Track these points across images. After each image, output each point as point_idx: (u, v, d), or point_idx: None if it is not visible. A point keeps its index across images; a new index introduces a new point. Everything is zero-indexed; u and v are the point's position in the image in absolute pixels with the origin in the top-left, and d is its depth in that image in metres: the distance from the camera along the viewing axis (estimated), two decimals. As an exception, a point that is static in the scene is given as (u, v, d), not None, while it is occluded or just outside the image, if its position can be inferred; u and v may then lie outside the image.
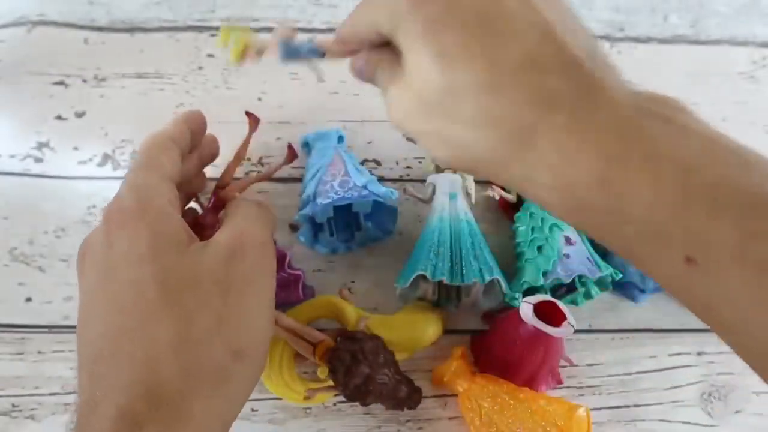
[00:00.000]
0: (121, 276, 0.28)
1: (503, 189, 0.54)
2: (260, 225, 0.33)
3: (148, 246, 0.28)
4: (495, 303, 0.50)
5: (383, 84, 0.29)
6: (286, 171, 0.55)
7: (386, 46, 0.28)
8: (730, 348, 0.24)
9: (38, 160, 0.56)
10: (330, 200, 0.45)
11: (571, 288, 0.51)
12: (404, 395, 0.43)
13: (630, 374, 0.51)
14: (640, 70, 0.64)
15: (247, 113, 0.48)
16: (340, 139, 0.54)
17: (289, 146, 0.52)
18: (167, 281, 0.27)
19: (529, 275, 0.48)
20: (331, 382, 0.43)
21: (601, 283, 0.51)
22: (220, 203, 0.43)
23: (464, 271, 0.47)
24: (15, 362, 0.49)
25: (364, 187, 0.46)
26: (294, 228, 0.52)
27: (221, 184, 0.44)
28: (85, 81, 0.59)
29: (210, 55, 0.60)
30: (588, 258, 0.49)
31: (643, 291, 0.51)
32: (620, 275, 0.49)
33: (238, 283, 0.29)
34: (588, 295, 0.51)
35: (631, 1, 0.67)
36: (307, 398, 0.44)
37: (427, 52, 0.24)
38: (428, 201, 0.53)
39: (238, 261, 0.30)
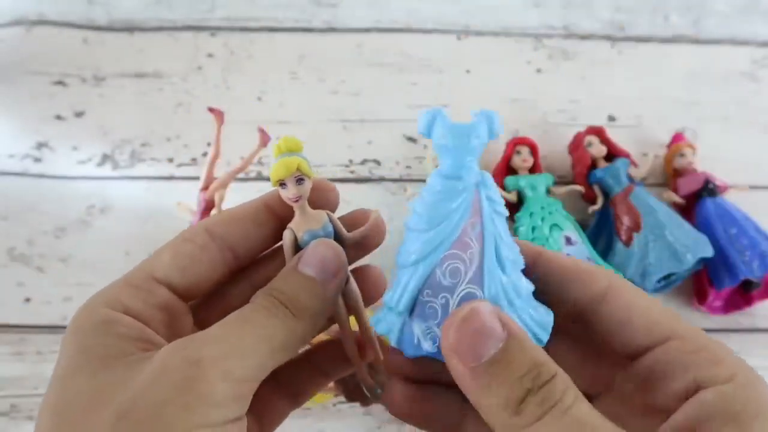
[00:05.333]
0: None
1: (502, 189, 0.54)
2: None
3: (65, 363, 0.21)
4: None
5: None
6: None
7: None
8: None
9: (37, 160, 0.55)
10: (435, 352, 0.23)
11: (571, 288, 0.51)
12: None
13: (630, 374, 0.51)
14: (641, 69, 0.64)
15: (210, 109, 0.49)
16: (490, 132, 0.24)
17: (260, 130, 0.50)
18: (62, 410, 0.19)
19: (530, 275, 0.48)
20: (330, 382, 0.43)
21: (601, 283, 0.51)
22: (207, 206, 0.44)
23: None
24: (14, 363, 0.49)
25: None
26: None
27: (203, 186, 0.45)
28: (84, 81, 0.58)
29: (209, 55, 0.60)
30: (588, 258, 0.49)
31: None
32: (621, 275, 0.49)
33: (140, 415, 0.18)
34: (588, 296, 0.51)
35: (632, 0, 0.67)
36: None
37: None
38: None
39: (146, 395, 0.19)
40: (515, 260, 0.23)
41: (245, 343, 0.20)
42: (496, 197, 0.23)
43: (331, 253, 0.23)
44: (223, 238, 0.24)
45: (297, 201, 0.23)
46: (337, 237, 0.24)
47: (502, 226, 0.22)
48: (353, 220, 0.25)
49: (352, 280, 0.24)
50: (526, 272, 0.23)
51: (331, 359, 0.27)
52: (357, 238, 0.24)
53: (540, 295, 0.23)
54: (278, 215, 0.25)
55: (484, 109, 0.23)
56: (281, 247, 0.24)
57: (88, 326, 0.21)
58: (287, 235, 0.23)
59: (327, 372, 0.27)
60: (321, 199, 0.25)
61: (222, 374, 0.19)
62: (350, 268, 0.25)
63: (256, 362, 0.20)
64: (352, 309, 0.25)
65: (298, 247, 0.23)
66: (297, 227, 0.23)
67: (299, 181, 0.23)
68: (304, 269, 0.22)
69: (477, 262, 0.22)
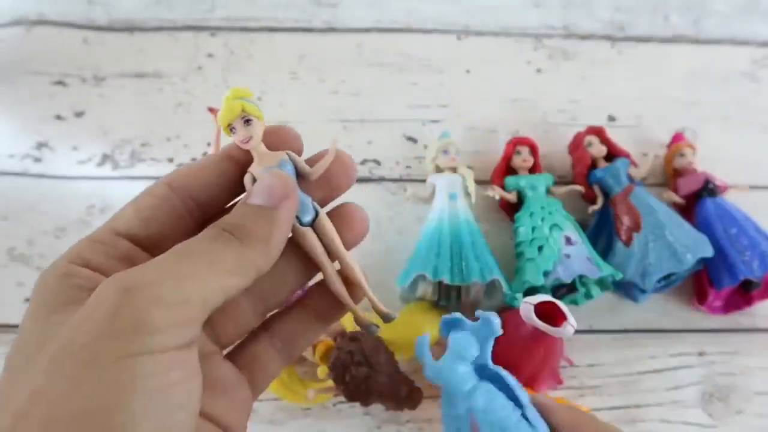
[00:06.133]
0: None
1: (503, 188, 0.54)
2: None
3: (25, 317, 0.21)
4: (495, 303, 0.50)
5: None
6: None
7: None
8: None
9: (37, 160, 0.55)
10: None
11: (571, 288, 0.51)
12: (404, 395, 0.43)
13: (631, 375, 0.51)
14: (641, 69, 0.64)
15: (210, 109, 0.49)
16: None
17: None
18: (12, 356, 0.20)
19: (530, 275, 0.48)
20: (331, 382, 0.43)
21: (601, 283, 0.51)
22: None
23: (465, 271, 0.47)
24: (14, 363, 0.49)
25: None
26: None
27: None
28: (84, 81, 0.58)
29: (209, 55, 0.60)
30: (588, 258, 0.49)
31: (644, 291, 0.51)
32: (621, 275, 0.49)
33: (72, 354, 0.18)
34: (588, 295, 0.51)
35: (632, 0, 0.67)
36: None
37: None
38: (428, 201, 0.52)
39: (78, 328, 0.18)
40: None
41: (183, 268, 0.19)
42: (490, 409, 0.24)
43: (277, 180, 0.23)
44: (184, 189, 0.24)
45: (248, 142, 0.23)
46: (300, 175, 0.24)
47: (510, 428, 0.23)
48: (319, 158, 0.25)
49: (324, 217, 0.24)
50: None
51: (323, 303, 0.26)
52: (320, 171, 0.24)
53: None
54: (241, 164, 0.25)
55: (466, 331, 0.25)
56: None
57: (50, 280, 0.22)
58: (247, 178, 0.24)
59: (321, 316, 0.26)
60: (284, 145, 0.25)
61: (155, 299, 0.18)
62: (327, 209, 0.25)
63: (198, 286, 0.19)
64: (328, 248, 0.25)
65: None
66: (254, 168, 0.24)
67: (247, 122, 0.24)
68: (253, 200, 0.22)
69: None
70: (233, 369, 0.25)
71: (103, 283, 0.19)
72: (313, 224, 0.24)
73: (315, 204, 0.24)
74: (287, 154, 0.24)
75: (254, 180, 0.23)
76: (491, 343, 0.24)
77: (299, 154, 0.25)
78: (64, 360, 0.18)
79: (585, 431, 0.24)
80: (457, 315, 0.25)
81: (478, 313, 0.24)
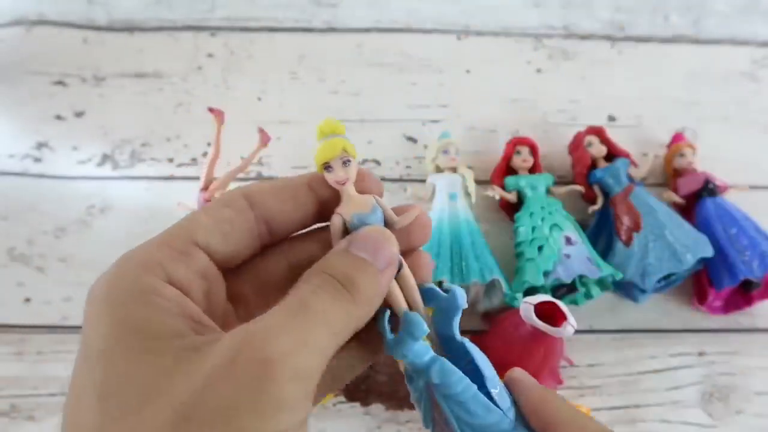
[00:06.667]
0: (75, 370, 0.19)
1: (503, 188, 0.54)
2: (305, 322, 0.18)
3: (104, 335, 0.18)
4: (495, 303, 0.50)
5: None
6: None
7: None
8: None
9: (37, 160, 0.55)
10: None
11: (571, 288, 0.51)
12: (404, 395, 0.43)
13: (631, 375, 0.51)
14: (641, 69, 0.64)
15: (210, 109, 0.49)
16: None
17: (260, 130, 0.50)
18: (110, 394, 0.17)
19: (530, 275, 0.48)
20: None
21: (601, 283, 0.51)
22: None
23: (464, 271, 0.47)
24: (14, 363, 0.49)
25: None
26: None
27: (203, 186, 0.45)
28: (84, 81, 0.58)
29: (209, 55, 0.60)
30: (588, 258, 0.49)
31: (644, 291, 0.51)
32: (621, 275, 0.49)
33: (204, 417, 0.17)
34: (588, 295, 0.51)
35: (632, 0, 0.67)
36: None
37: None
38: (428, 201, 0.52)
39: (209, 397, 0.17)
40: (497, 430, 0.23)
41: (310, 335, 0.18)
42: (446, 384, 0.22)
43: (384, 240, 0.21)
44: (262, 206, 0.22)
45: (344, 184, 0.22)
46: (386, 223, 0.23)
47: (469, 406, 0.22)
48: (399, 212, 0.23)
49: (408, 271, 0.23)
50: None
51: (375, 335, 0.24)
52: (404, 223, 0.23)
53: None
54: (319, 198, 0.23)
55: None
56: (317, 230, 0.23)
57: (124, 294, 0.19)
58: (336, 220, 0.22)
59: (372, 349, 0.24)
60: (367, 188, 0.23)
61: (292, 373, 0.17)
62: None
63: (320, 355, 0.18)
64: (408, 297, 0.23)
65: (346, 233, 0.22)
66: (345, 212, 0.22)
67: (346, 163, 0.22)
68: (358, 252, 0.21)
69: None
70: None
71: (231, 342, 0.17)
72: (397, 275, 0.23)
73: (401, 257, 0.23)
74: (375, 199, 0.23)
75: (344, 223, 0.22)
76: (458, 315, 0.24)
77: (381, 195, 0.24)
78: (195, 427, 0.16)
79: (549, 409, 0.23)
80: (429, 285, 0.24)
81: (446, 285, 0.24)
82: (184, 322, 0.19)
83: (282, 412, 0.17)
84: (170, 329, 0.18)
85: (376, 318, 0.22)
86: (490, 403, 0.22)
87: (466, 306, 0.23)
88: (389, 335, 0.23)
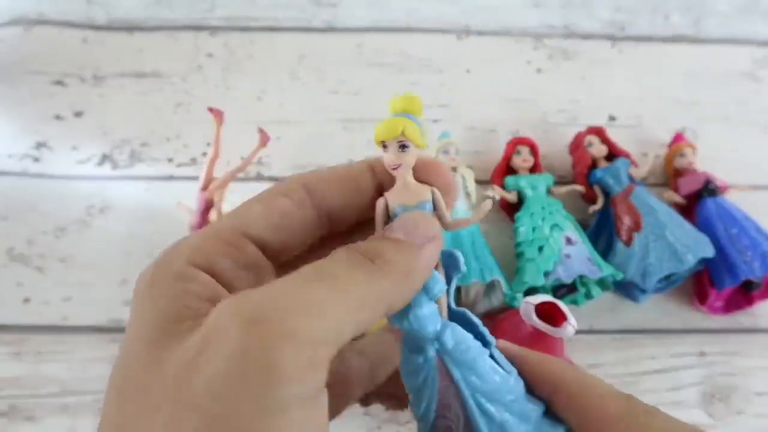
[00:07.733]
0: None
1: (503, 188, 0.54)
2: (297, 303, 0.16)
3: (136, 322, 0.18)
4: (495, 303, 0.50)
5: None
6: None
7: None
8: None
9: (36, 160, 0.55)
10: None
11: (572, 288, 0.51)
12: (404, 395, 0.43)
13: (631, 375, 0.51)
14: (642, 69, 0.64)
15: (210, 109, 0.49)
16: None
17: (260, 130, 0.50)
18: (123, 385, 0.17)
19: (530, 275, 0.48)
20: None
21: (602, 284, 0.51)
22: (206, 205, 0.44)
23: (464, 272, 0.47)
24: (13, 363, 0.49)
25: None
26: None
27: (203, 186, 0.45)
28: (83, 80, 0.58)
29: (209, 55, 0.60)
30: (589, 258, 0.49)
31: (644, 291, 0.51)
32: (621, 275, 0.49)
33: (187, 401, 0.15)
34: (589, 296, 0.51)
35: (632, 0, 0.67)
36: None
37: None
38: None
39: (198, 367, 0.15)
40: (508, 394, 0.22)
41: (314, 296, 0.16)
42: (460, 349, 0.21)
43: (422, 219, 0.19)
44: (321, 195, 0.21)
45: (395, 169, 0.20)
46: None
47: (481, 370, 0.21)
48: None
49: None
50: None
51: None
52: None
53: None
54: (381, 181, 0.21)
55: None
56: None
57: (165, 282, 0.18)
58: (380, 203, 0.20)
59: None
60: (431, 180, 0.21)
61: (287, 335, 0.15)
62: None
63: (329, 319, 0.16)
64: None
65: (389, 220, 0.21)
66: (392, 198, 0.20)
67: (403, 147, 0.20)
68: (393, 234, 0.19)
69: (463, 420, 0.21)
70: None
71: (220, 307, 0.16)
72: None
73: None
74: (432, 192, 0.20)
75: (386, 207, 0.20)
76: (455, 281, 0.23)
77: (448, 194, 0.21)
78: (188, 411, 0.15)
79: (554, 371, 0.22)
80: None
81: (445, 249, 0.21)
82: (208, 305, 0.17)
83: (277, 385, 0.14)
84: (188, 315, 0.17)
85: None
86: (501, 368, 0.22)
87: (464, 269, 0.22)
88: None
